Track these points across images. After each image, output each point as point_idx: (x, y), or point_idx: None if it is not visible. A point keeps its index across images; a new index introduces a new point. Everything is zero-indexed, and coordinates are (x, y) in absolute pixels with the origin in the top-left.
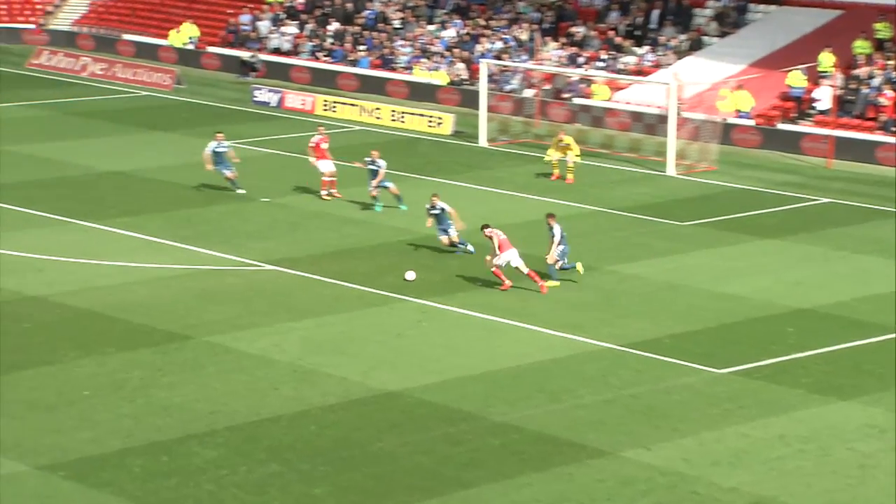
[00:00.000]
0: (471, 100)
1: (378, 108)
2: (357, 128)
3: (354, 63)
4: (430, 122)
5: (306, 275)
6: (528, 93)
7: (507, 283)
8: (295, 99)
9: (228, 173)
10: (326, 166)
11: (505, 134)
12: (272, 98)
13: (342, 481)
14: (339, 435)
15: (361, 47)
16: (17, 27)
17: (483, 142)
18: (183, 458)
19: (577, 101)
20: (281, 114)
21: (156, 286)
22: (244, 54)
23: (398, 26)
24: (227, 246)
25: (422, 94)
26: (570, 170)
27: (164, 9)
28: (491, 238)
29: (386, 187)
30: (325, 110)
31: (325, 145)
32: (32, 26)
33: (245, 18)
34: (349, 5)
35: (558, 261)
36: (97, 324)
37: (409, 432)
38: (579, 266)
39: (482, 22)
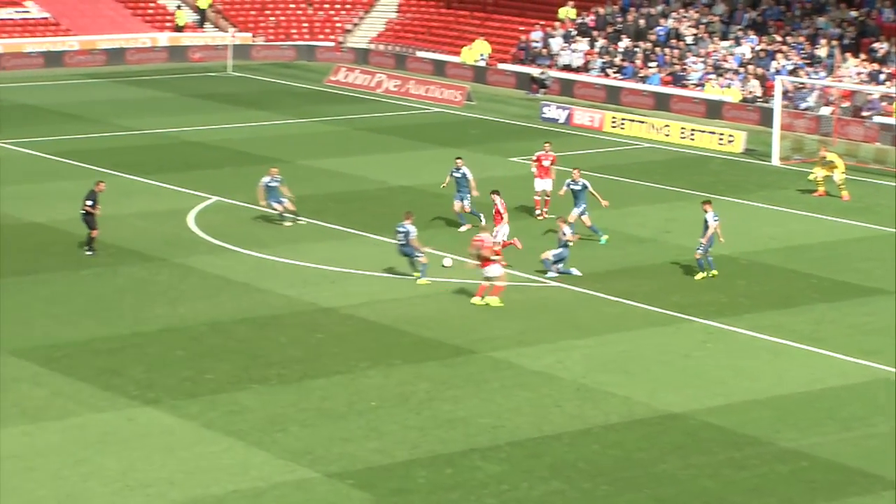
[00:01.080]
0: (764, 117)
1: (667, 126)
2: (645, 145)
3: (644, 80)
4: (721, 139)
5: (591, 292)
6: (825, 110)
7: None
8: (583, 116)
9: (278, 206)
10: (542, 185)
11: (799, 153)
12: (561, 115)
13: (623, 502)
14: (622, 455)
15: (652, 64)
16: (316, 44)
17: (776, 160)
18: (466, 472)
19: (877, 119)
20: (569, 130)
21: (444, 300)
22: (534, 71)
23: (691, 42)
24: (514, 262)
25: (712, 111)
26: (841, 187)
27: (457, 26)
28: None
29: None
30: (614, 127)
31: (546, 162)
32: (331, 44)
33: (536, 35)
34: (641, 22)
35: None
36: (386, 336)
37: (692, 455)
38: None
39: (779, 38)
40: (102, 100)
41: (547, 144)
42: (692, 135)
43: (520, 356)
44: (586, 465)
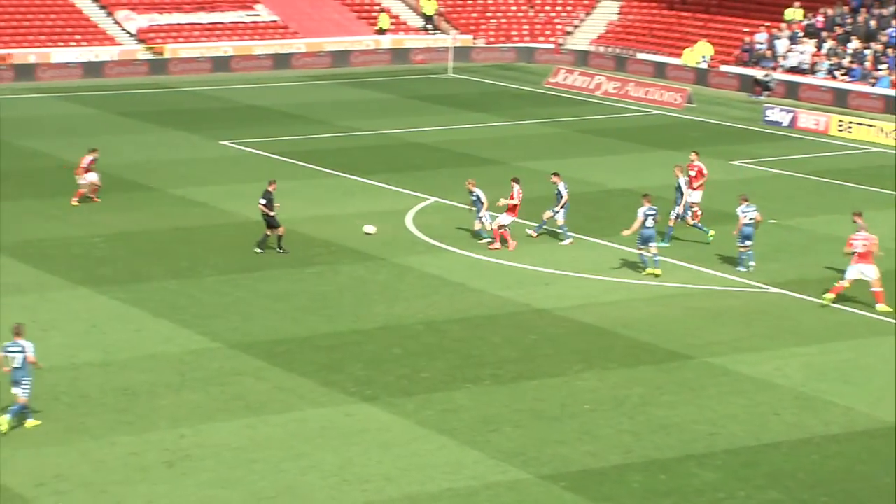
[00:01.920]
0: None
1: None
2: (873, 149)
3: (874, 82)
4: None
5: (812, 299)
6: None
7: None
8: (808, 118)
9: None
10: (695, 196)
11: None
12: (784, 117)
13: None
14: (843, 466)
15: (882, 66)
16: (536, 46)
17: None
18: (681, 479)
19: None
20: (793, 134)
21: (659, 304)
22: (757, 73)
23: None
24: (728, 266)
25: None
26: None
27: (680, 28)
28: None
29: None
30: (840, 131)
31: (692, 172)
32: (551, 46)
33: (761, 37)
34: (873, 23)
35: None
36: (601, 339)
37: None
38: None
39: None
40: (327, 101)
41: (693, 154)
42: None
43: (736, 362)
44: (805, 475)
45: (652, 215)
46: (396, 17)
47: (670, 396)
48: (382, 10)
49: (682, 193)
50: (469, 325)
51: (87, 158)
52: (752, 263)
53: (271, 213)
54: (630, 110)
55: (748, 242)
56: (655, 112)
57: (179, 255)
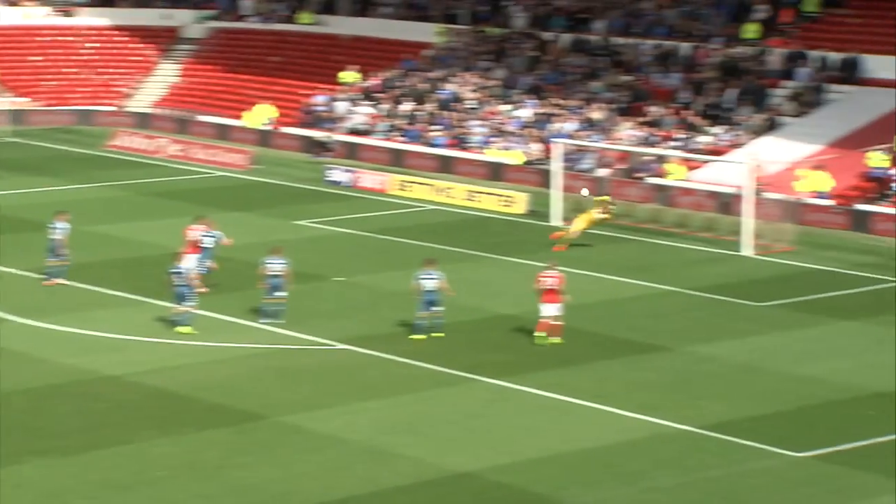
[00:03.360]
0: (544, 179)
1: (451, 188)
2: (430, 207)
3: (429, 143)
4: (504, 201)
5: (379, 354)
6: (602, 172)
7: None
8: (369, 178)
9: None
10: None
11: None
12: (346, 177)
13: None
14: None
15: (436, 127)
16: (96, 109)
17: (557, 221)
18: None
19: (651, 180)
20: (355, 193)
21: (233, 365)
22: (318, 134)
23: (473, 106)
24: (302, 326)
25: (495, 173)
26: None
27: (241, 90)
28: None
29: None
30: (399, 189)
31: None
32: (112, 108)
33: (321, 99)
34: (424, 86)
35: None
36: (174, 403)
37: None
38: None
39: (557, 102)
40: None
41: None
42: (475, 196)
43: (309, 420)
44: None
45: (177, 273)
46: None
47: (246, 458)
48: None
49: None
50: (34, 397)
51: None
52: (280, 315)
53: None
54: (195, 172)
55: (278, 294)
56: (220, 173)
57: None
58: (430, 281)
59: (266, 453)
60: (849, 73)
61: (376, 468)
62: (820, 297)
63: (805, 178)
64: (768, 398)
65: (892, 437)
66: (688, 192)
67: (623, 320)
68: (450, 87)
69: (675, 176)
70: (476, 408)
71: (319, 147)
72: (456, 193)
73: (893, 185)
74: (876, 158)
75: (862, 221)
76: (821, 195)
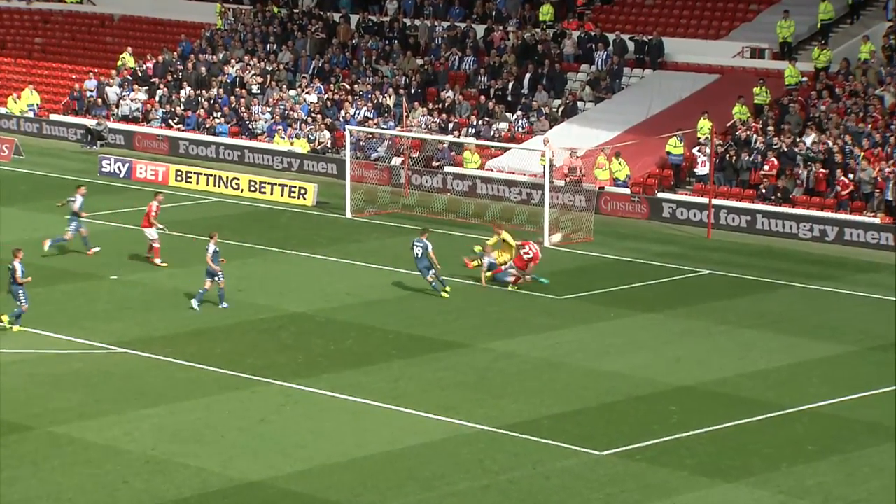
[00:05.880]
0: (335, 169)
1: (236, 179)
2: (214, 199)
3: (211, 131)
4: (292, 192)
5: (160, 357)
6: (396, 161)
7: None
8: (146, 169)
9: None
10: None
11: (372, 204)
12: (121, 168)
13: None
14: None
15: (218, 114)
16: None
17: (348, 213)
18: None
19: (447, 169)
20: (131, 185)
21: None
22: (90, 122)
23: (256, 91)
24: (75, 328)
25: (283, 162)
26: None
27: (2, 75)
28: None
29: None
30: (179, 181)
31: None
32: None
33: (90, 84)
34: (203, 69)
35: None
36: None
37: None
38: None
39: (346, 87)
40: None
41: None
42: (262, 188)
43: (82, 430)
44: None
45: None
46: None
47: (10, 472)
48: None
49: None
50: None
51: None
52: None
53: None
54: None
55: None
56: None
57: None
58: (419, 248)
59: (33, 467)
60: (647, 57)
61: (156, 480)
62: (620, 289)
63: (603, 165)
64: (569, 395)
65: (695, 432)
66: (485, 181)
67: (419, 317)
68: (232, 71)
69: (472, 164)
70: (265, 412)
71: (91, 135)
72: (241, 184)
73: (695, 172)
74: (674, 145)
75: (660, 210)
76: (619, 183)
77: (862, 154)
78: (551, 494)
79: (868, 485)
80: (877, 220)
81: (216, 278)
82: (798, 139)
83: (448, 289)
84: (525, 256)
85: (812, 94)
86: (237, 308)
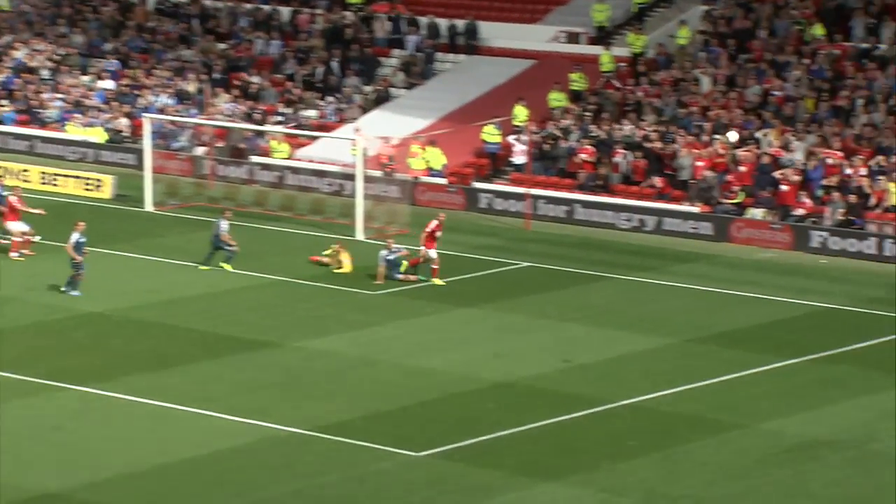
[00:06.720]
0: (135, 160)
1: (26, 170)
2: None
3: None
4: (88, 184)
5: None
6: (199, 151)
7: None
8: None
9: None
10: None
11: (174, 197)
12: None
13: None
14: None
15: (4, 101)
16: None
17: (149, 206)
18: None
19: (254, 158)
20: None
21: None
22: None
23: (47, 77)
24: None
25: (77, 153)
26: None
27: None
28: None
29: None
30: None
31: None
32: None
33: None
34: None
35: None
36: None
37: None
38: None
39: (144, 72)
40: None
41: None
42: (55, 180)
43: None
44: None
45: None
46: None
47: None
48: None
49: None
50: None
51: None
52: None
53: None
54: None
55: None
56: None
57: None
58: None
59: None
60: (461, 41)
61: None
62: (437, 283)
63: (418, 154)
64: (385, 394)
65: (515, 430)
66: (294, 171)
67: (227, 315)
68: (19, 56)
69: (280, 154)
70: (60, 419)
71: None
72: (31, 177)
73: (512, 161)
74: (490, 133)
75: (477, 200)
76: (434, 172)
77: (681, 141)
78: (366, 498)
79: (690, 480)
80: (696, 210)
81: (78, 270)
82: (615, 126)
83: (207, 269)
84: (427, 230)
85: (629, 81)
86: (28, 308)
